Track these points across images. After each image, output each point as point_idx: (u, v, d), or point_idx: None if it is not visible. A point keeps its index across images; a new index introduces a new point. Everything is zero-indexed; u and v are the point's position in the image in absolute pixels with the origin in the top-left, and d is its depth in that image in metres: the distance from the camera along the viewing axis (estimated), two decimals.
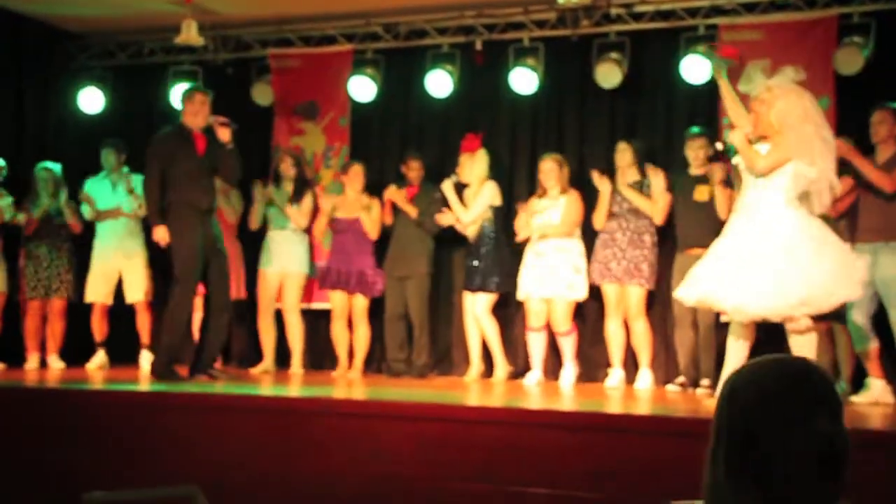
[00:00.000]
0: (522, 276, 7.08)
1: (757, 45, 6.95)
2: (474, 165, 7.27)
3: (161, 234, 6.49)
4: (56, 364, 7.54)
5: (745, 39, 7.00)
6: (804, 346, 5.18)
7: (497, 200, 7.28)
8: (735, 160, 5.57)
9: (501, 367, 7.22)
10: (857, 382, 6.09)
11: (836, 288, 5.07)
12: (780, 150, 5.20)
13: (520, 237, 7.18)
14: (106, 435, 5.36)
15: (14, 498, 5.33)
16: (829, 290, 5.06)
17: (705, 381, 6.52)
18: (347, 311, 7.45)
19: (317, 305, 7.75)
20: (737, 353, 5.30)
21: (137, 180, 7.62)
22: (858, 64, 6.57)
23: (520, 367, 7.33)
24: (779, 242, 5.09)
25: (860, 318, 5.88)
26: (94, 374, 7.21)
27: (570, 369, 7.00)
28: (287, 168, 7.62)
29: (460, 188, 7.35)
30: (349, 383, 6.94)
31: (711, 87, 7.03)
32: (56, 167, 7.65)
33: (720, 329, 6.71)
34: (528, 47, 7.48)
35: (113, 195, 7.66)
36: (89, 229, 7.74)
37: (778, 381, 1.56)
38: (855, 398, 5.92)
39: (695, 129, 6.82)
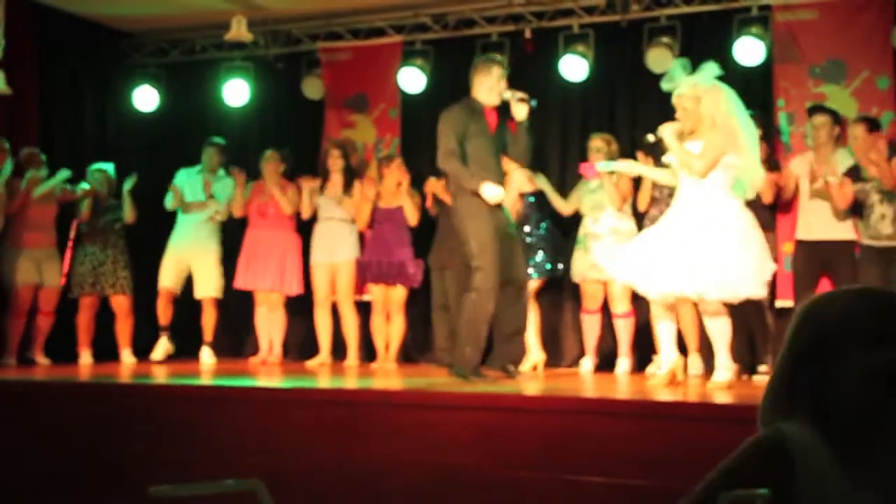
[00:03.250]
0: (576, 259, 7.04)
1: (811, 25, 6.85)
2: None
3: (493, 190, 5.84)
4: (128, 359, 7.66)
5: (799, 19, 6.90)
6: (718, 328, 5.50)
7: (526, 187, 7.18)
8: (666, 156, 5.72)
9: (536, 355, 7.16)
10: None
11: (750, 282, 5.35)
12: (713, 149, 5.40)
13: (566, 211, 7.13)
14: (168, 428, 5.45)
15: (80, 493, 5.45)
16: (745, 282, 5.33)
17: (763, 367, 6.45)
18: (386, 304, 7.46)
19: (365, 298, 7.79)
20: (668, 337, 5.72)
21: (223, 185, 7.74)
22: None
23: (562, 355, 7.30)
24: (715, 230, 5.33)
25: None
26: (158, 367, 7.33)
27: (626, 354, 6.95)
28: (335, 160, 7.65)
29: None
30: (399, 374, 6.96)
31: (765, 69, 6.97)
32: (109, 167, 7.76)
33: (775, 314, 6.66)
34: (577, 34, 7.43)
35: (201, 195, 7.76)
36: (144, 224, 7.84)
37: (862, 306, 1.64)
38: None
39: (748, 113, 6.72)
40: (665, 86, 5.70)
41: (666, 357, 5.85)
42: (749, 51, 6.89)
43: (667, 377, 5.76)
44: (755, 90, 7.12)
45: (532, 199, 7.20)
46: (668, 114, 7.31)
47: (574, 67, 7.37)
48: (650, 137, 5.87)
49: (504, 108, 6.05)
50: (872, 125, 6.16)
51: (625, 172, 6.06)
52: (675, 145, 5.55)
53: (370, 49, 8.12)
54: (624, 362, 6.95)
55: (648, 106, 7.48)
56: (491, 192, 5.83)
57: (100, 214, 7.63)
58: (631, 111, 7.56)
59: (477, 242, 5.83)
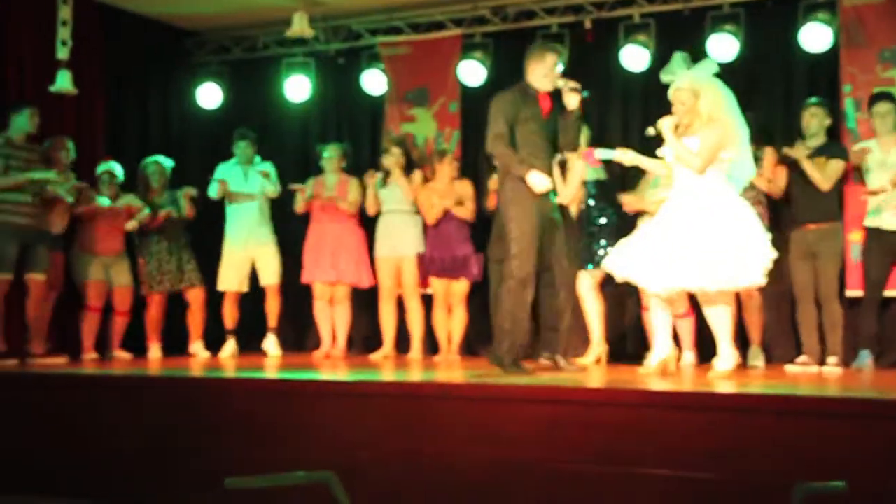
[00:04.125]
0: None
1: (880, 9, 6.72)
2: None
3: (538, 179, 5.75)
4: (201, 353, 7.80)
5: (868, 3, 6.76)
6: (718, 317, 5.55)
7: (585, 175, 7.10)
8: (660, 149, 5.73)
9: (599, 347, 7.11)
10: None
11: (749, 271, 5.35)
12: (710, 145, 5.46)
13: (628, 207, 7.09)
14: (234, 422, 5.53)
15: (152, 484, 5.56)
16: (743, 271, 5.33)
17: (832, 360, 6.34)
18: (447, 298, 7.47)
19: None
20: (663, 329, 5.81)
21: (269, 167, 7.84)
22: None
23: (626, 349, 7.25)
24: (711, 221, 5.38)
25: None
26: (227, 362, 7.44)
27: (689, 348, 6.88)
28: (394, 157, 7.66)
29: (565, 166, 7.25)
30: (462, 367, 6.96)
31: (831, 54, 6.84)
32: (165, 161, 7.87)
33: (846, 305, 6.55)
34: (638, 23, 7.37)
35: (245, 183, 7.84)
36: (206, 214, 7.94)
37: None
38: None
39: (812, 100, 6.62)
40: (664, 78, 5.74)
41: (659, 348, 5.84)
42: (815, 36, 6.78)
43: (658, 367, 5.77)
44: (821, 76, 7.02)
45: (593, 187, 7.14)
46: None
47: (635, 57, 7.31)
48: (650, 131, 5.85)
49: (558, 96, 6.00)
50: None
51: (622, 161, 6.00)
52: (672, 140, 5.60)
53: (430, 43, 8.14)
54: (688, 355, 6.88)
55: None
56: (537, 180, 5.75)
57: (157, 210, 7.72)
58: None
59: (517, 229, 5.79)
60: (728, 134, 5.49)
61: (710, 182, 5.51)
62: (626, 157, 5.96)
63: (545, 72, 5.93)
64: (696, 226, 5.41)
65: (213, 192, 7.84)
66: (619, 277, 5.75)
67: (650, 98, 7.60)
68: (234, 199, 7.81)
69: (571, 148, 6.19)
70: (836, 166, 6.41)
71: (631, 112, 7.66)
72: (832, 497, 3.02)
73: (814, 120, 6.51)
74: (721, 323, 5.59)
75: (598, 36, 7.55)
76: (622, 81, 7.59)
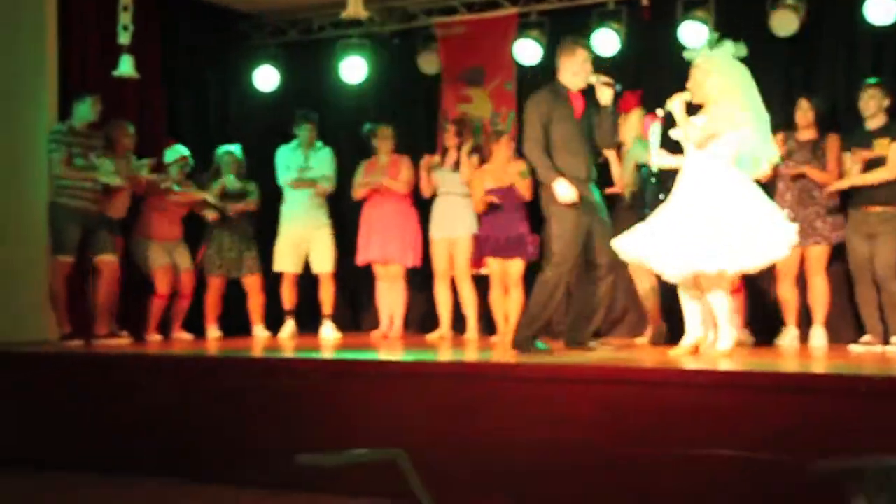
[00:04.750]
0: None
1: None
2: (626, 125, 7.05)
3: (564, 189, 5.82)
4: (261, 333, 7.91)
5: None
6: (717, 303, 5.58)
7: (642, 158, 7.05)
8: (673, 130, 5.77)
9: (657, 326, 7.06)
10: None
11: (763, 249, 5.41)
12: (712, 124, 5.56)
13: None
14: (296, 401, 5.59)
15: (213, 462, 5.65)
16: (757, 250, 5.39)
17: (895, 339, 6.24)
18: (504, 278, 7.45)
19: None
20: (693, 311, 5.77)
21: (326, 155, 7.86)
22: None
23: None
24: (719, 204, 5.45)
25: None
26: (286, 343, 7.52)
27: (737, 327, 6.80)
28: (450, 137, 7.66)
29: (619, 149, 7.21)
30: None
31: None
32: (237, 149, 7.96)
33: None
34: (697, 0, 7.25)
35: (305, 169, 7.88)
36: (271, 200, 8.02)
37: None
38: None
39: (869, 80, 6.47)
40: (687, 55, 5.81)
41: (691, 331, 5.81)
42: (882, 9, 6.61)
43: (689, 349, 5.76)
44: (888, 52, 6.84)
45: (645, 170, 7.07)
46: (793, 80, 7.12)
47: (693, 34, 7.19)
48: (660, 111, 5.88)
49: (591, 92, 6.01)
50: None
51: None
52: (680, 117, 5.67)
53: (485, 22, 8.10)
54: (742, 333, 6.79)
55: (773, 71, 7.26)
56: (563, 190, 5.81)
57: (226, 201, 7.81)
58: (754, 77, 7.32)
59: (558, 227, 5.90)
60: (729, 116, 5.54)
61: (715, 164, 5.56)
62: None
63: (576, 68, 5.95)
64: (704, 210, 5.48)
65: (283, 178, 7.89)
66: (629, 259, 5.82)
67: None
68: (297, 186, 7.85)
69: (608, 143, 6.26)
70: None
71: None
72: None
73: (872, 102, 6.38)
74: (719, 306, 5.63)
75: (656, 13, 7.45)
76: (680, 59, 7.46)
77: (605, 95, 5.95)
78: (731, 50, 5.69)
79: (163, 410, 5.83)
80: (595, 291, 6.08)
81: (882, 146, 6.29)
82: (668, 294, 7.20)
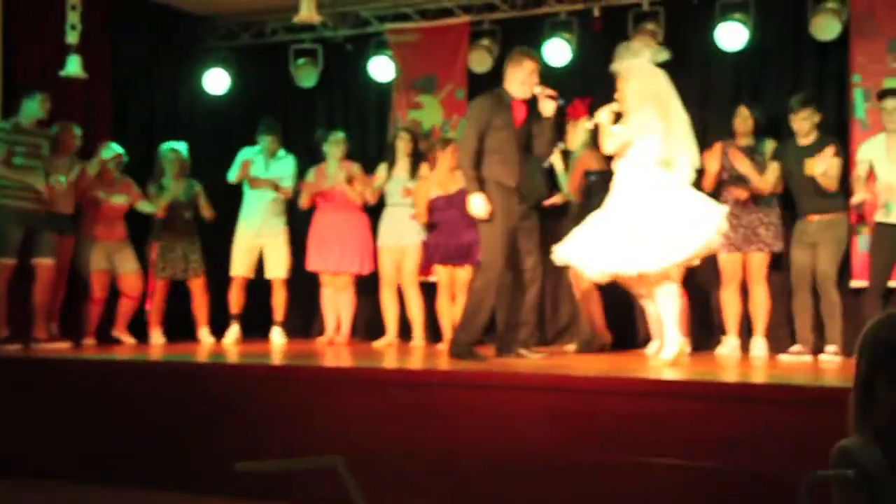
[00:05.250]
0: None
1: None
2: (578, 133, 7.13)
3: (478, 205, 5.96)
4: (206, 338, 7.81)
5: None
6: (665, 303, 5.70)
7: (595, 165, 7.08)
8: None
9: (602, 336, 7.10)
10: None
11: (685, 243, 5.52)
12: (626, 131, 5.73)
13: None
14: (238, 407, 5.54)
15: (154, 468, 5.57)
16: (677, 246, 5.50)
17: (831, 348, 6.35)
18: (451, 285, 7.45)
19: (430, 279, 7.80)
20: (658, 316, 5.86)
21: (288, 163, 7.82)
22: None
23: (630, 337, 7.24)
24: (640, 208, 5.59)
25: None
26: (231, 348, 7.45)
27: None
28: (404, 144, 7.65)
29: (567, 156, 7.27)
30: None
31: (841, 44, 6.80)
32: (182, 147, 7.86)
33: (848, 296, 6.53)
34: (647, 12, 7.33)
35: (265, 173, 7.81)
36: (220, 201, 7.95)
37: (891, 343, 1.89)
38: None
39: (798, 100, 6.53)
40: (612, 67, 5.93)
41: (669, 340, 5.82)
42: (824, 26, 6.74)
43: (674, 358, 5.76)
44: (830, 66, 6.98)
45: (594, 177, 7.13)
46: (739, 92, 7.22)
47: (644, 46, 7.23)
48: (589, 123, 6.08)
49: (534, 102, 6.10)
50: None
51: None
52: (602, 124, 5.85)
53: (438, 30, 8.11)
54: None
55: (721, 85, 7.36)
56: (476, 204, 5.96)
57: (174, 205, 7.71)
58: (703, 91, 7.43)
59: (484, 234, 6.03)
60: (644, 123, 5.67)
61: (640, 171, 5.69)
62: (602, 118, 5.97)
63: (522, 78, 6.05)
64: (628, 214, 5.62)
65: (233, 175, 7.82)
66: (560, 262, 5.90)
67: None
68: (255, 185, 7.79)
69: (546, 152, 6.37)
70: (836, 166, 6.40)
71: None
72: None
73: (805, 123, 6.48)
74: (667, 310, 5.73)
75: (607, 24, 7.51)
76: None
77: (548, 108, 6.06)
78: (649, 56, 5.86)
79: (100, 416, 5.74)
80: (523, 298, 6.19)
81: (814, 166, 6.41)
82: (617, 302, 7.27)
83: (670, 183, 5.72)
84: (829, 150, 6.35)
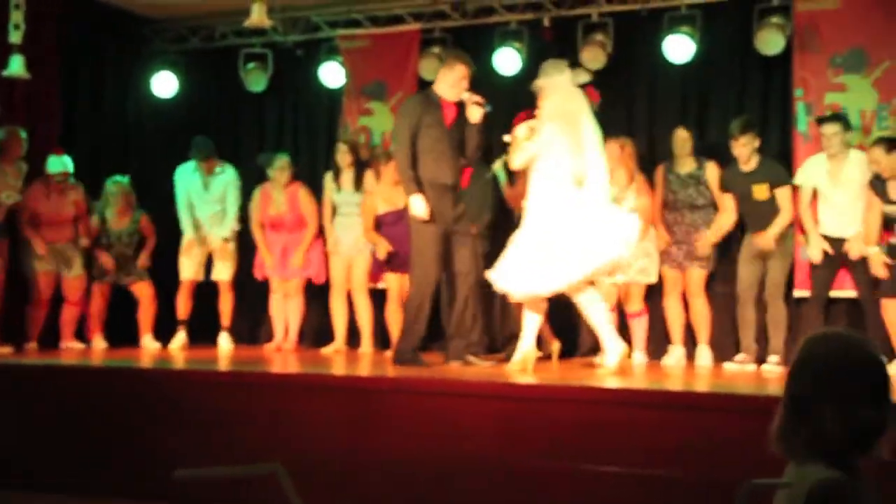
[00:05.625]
0: None
1: (833, 14, 6.79)
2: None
3: (418, 206, 6.00)
4: (150, 344, 7.70)
5: (821, 8, 6.84)
6: (595, 310, 5.84)
7: None
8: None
9: (551, 343, 7.14)
10: None
11: (604, 248, 5.66)
12: (533, 146, 5.89)
13: None
14: (184, 414, 5.48)
15: (99, 475, 5.50)
16: (597, 252, 5.65)
17: (774, 358, 6.46)
18: (402, 293, 7.44)
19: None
20: (531, 326, 5.99)
21: (223, 181, 7.74)
22: None
23: (577, 345, 7.29)
24: (554, 222, 5.72)
25: None
26: (177, 354, 7.37)
27: (641, 349, 6.98)
28: (343, 156, 7.60)
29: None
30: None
31: (785, 58, 6.92)
32: (125, 181, 7.69)
33: (790, 305, 6.65)
34: (597, 23, 7.40)
35: (205, 193, 7.74)
36: (160, 210, 7.86)
37: (841, 366, 1.90)
38: None
39: (737, 125, 6.57)
40: (534, 84, 6.08)
41: (610, 347, 5.94)
42: (769, 40, 6.85)
43: (617, 366, 5.88)
44: (775, 80, 7.10)
45: None
46: (686, 104, 7.32)
47: (593, 57, 7.33)
48: (506, 138, 6.18)
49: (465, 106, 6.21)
50: (891, 145, 6.11)
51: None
52: (515, 141, 6.01)
53: (389, 37, 8.11)
54: (638, 356, 6.96)
55: (668, 99, 7.45)
56: (417, 206, 6.01)
57: (113, 238, 7.61)
58: (649, 104, 7.52)
59: (416, 244, 6.10)
60: (551, 140, 5.83)
61: (551, 185, 5.82)
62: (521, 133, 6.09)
63: (452, 82, 6.16)
64: (546, 228, 5.74)
65: (182, 207, 7.74)
66: (496, 287, 5.99)
67: (606, 99, 7.62)
68: (196, 222, 7.74)
69: (476, 155, 6.40)
70: (786, 194, 6.53)
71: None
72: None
73: (744, 150, 6.56)
74: (596, 320, 5.87)
75: (557, 34, 7.57)
76: None
77: (475, 114, 6.15)
78: (569, 76, 6.01)
79: (40, 422, 5.65)
80: (459, 304, 6.27)
81: (761, 191, 6.51)
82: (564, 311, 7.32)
83: (582, 199, 5.84)
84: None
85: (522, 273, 5.77)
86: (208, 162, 7.75)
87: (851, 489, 1.88)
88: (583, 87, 6.18)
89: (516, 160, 6.04)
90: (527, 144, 5.95)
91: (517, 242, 5.90)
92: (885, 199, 6.13)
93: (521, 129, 6.01)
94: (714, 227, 6.76)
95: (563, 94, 5.94)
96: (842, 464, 1.90)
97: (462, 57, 6.34)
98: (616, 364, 5.82)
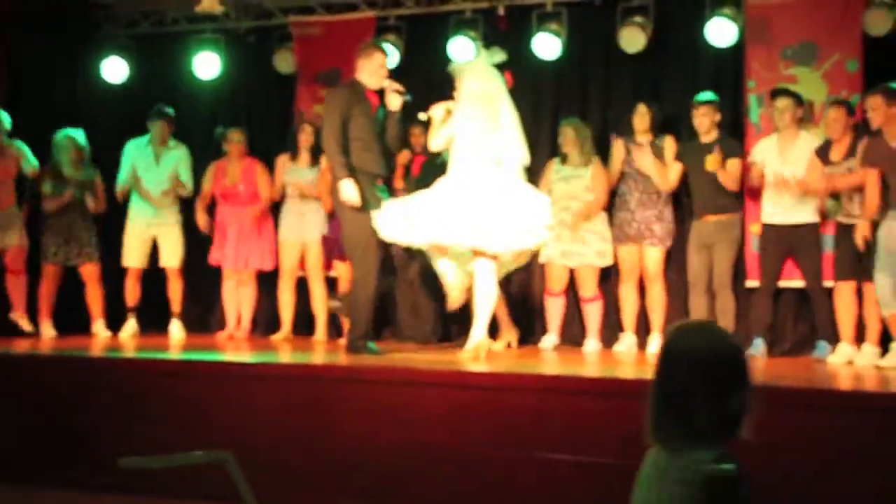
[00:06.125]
0: (544, 243, 7.04)
1: (784, 7, 6.87)
2: None
3: (349, 190, 6.04)
4: (102, 332, 7.61)
5: (772, 2, 6.91)
6: (484, 289, 5.91)
7: None
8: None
9: (509, 332, 7.17)
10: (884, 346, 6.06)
11: (518, 232, 5.81)
12: (450, 127, 6.02)
13: None
14: (136, 402, 5.43)
15: (47, 463, 5.42)
16: (516, 231, 5.79)
17: None
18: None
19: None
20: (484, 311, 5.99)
21: (181, 155, 7.66)
22: (887, 25, 6.47)
23: (526, 331, 7.33)
24: (473, 194, 5.85)
25: (885, 281, 5.85)
26: (127, 342, 7.28)
27: (594, 336, 7.02)
28: (305, 137, 7.58)
29: None
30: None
31: (737, 50, 6.99)
32: (79, 135, 7.62)
33: (741, 293, 6.73)
34: (550, 12, 7.41)
35: (155, 167, 7.66)
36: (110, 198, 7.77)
37: (712, 356, 2.03)
38: (881, 362, 5.90)
39: (700, 97, 6.76)
40: (450, 67, 6.27)
41: (478, 333, 6.03)
42: (721, 32, 6.92)
43: (472, 353, 5.94)
44: (726, 71, 7.17)
45: None
46: (640, 94, 7.37)
47: (547, 46, 7.35)
48: (422, 116, 6.36)
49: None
50: (849, 109, 6.25)
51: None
52: (434, 123, 6.17)
53: (343, 24, 8.05)
54: (592, 343, 7.00)
55: (621, 85, 7.49)
56: (348, 190, 6.04)
57: (64, 187, 7.49)
58: (604, 91, 7.56)
59: (353, 235, 6.14)
60: (467, 121, 5.95)
61: (478, 166, 5.93)
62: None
63: (372, 70, 6.27)
64: (466, 195, 5.85)
65: (123, 180, 7.66)
66: (382, 234, 6.03)
67: (561, 86, 7.67)
68: (143, 195, 7.63)
69: (395, 144, 6.47)
70: (736, 165, 6.61)
71: (541, 100, 7.69)
72: None
73: (705, 119, 6.67)
74: (483, 300, 5.94)
75: (512, 23, 7.57)
76: (533, 69, 7.64)
77: (394, 102, 6.24)
78: (486, 57, 6.10)
79: None
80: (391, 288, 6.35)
81: (713, 161, 6.60)
82: (521, 299, 7.35)
83: (500, 179, 5.95)
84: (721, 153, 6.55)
85: (438, 223, 5.86)
86: (165, 128, 7.67)
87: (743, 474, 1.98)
88: (500, 67, 6.26)
89: (433, 142, 6.22)
90: (444, 126, 6.07)
91: (426, 198, 5.98)
92: (826, 161, 6.25)
93: (437, 111, 6.14)
94: (652, 168, 6.76)
95: (479, 76, 6.05)
96: (716, 448, 2.01)
97: (379, 45, 6.54)
98: (472, 351, 5.90)
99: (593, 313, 7.04)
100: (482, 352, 5.95)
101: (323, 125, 6.29)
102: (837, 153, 6.24)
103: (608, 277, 7.21)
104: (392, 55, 6.59)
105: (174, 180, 7.60)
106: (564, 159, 7.07)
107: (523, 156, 6.12)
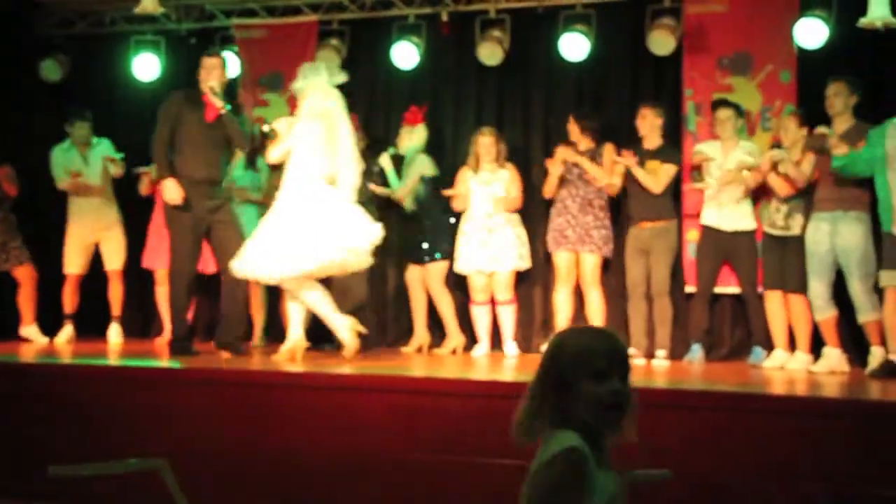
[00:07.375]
0: (466, 250, 7.09)
1: (721, 18, 7.00)
2: (413, 138, 7.28)
3: (171, 190, 6.31)
4: (36, 337, 7.48)
5: (710, 11, 7.03)
6: (313, 302, 6.12)
7: (430, 171, 7.27)
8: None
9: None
10: (815, 352, 6.18)
11: (326, 248, 5.96)
12: (289, 142, 6.26)
13: (458, 208, 7.20)
14: (71, 409, 5.34)
15: None
16: (320, 250, 5.94)
17: (661, 353, 6.63)
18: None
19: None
20: (297, 314, 6.26)
21: (107, 145, 7.59)
22: (820, 37, 6.60)
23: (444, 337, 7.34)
24: (299, 214, 6.04)
25: (819, 287, 5.98)
26: (63, 348, 7.16)
27: (511, 339, 7.07)
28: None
29: (399, 160, 7.36)
30: (306, 357, 6.88)
31: (676, 59, 7.09)
32: None
33: (678, 300, 6.82)
34: (494, 19, 7.45)
35: (85, 167, 7.56)
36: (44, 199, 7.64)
37: (595, 347, 2.13)
38: (813, 367, 6.03)
39: (644, 104, 6.88)
40: (292, 85, 6.51)
41: (292, 334, 6.26)
42: (660, 41, 7.00)
43: (286, 355, 6.14)
44: (666, 79, 7.27)
45: (426, 180, 7.24)
46: (582, 101, 7.44)
47: (490, 53, 7.38)
48: (265, 128, 6.66)
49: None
50: (802, 119, 6.36)
51: None
52: (277, 136, 6.41)
53: (286, 27, 8.01)
54: (510, 346, 7.03)
55: (563, 91, 7.55)
56: (169, 191, 6.31)
57: None
58: (546, 98, 7.61)
59: (173, 237, 6.46)
60: (302, 137, 6.17)
61: (310, 182, 6.11)
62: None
63: (202, 76, 6.48)
64: (290, 219, 6.03)
65: (61, 182, 7.56)
66: (241, 275, 6.20)
67: (504, 92, 7.71)
68: (81, 192, 7.52)
69: (240, 145, 6.68)
70: (668, 170, 6.73)
71: (484, 107, 7.72)
72: (658, 484, 3.14)
73: (644, 122, 6.80)
74: (316, 305, 6.15)
75: (455, 30, 7.60)
76: (477, 75, 7.67)
77: (215, 104, 6.40)
78: (326, 77, 6.33)
79: None
80: (231, 294, 6.49)
81: (653, 167, 6.70)
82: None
83: (330, 196, 6.12)
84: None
85: (258, 257, 6.03)
86: (86, 132, 7.61)
87: (588, 458, 2.07)
88: (341, 88, 6.46)
89: (272, 154, 6.43)
90: (284, 140, 6.28)
91: (259, 230, 6.18)
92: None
93: (280, 124, 6.39)
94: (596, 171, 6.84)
95: (320, 95, 6.25)
96: (590, 437, 2.10)
97: (214, 50, 6.89)
98: (287, 352, 6.11)
99: (507, 317, 7.10)
100: (298, 353, 6.13)
101: (155, 128, 6.48)
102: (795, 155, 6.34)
103: (525, 280, 7.25)
104: (229, 62, 6.94)
105: (105, 160, 7.52)
106: (476, 166, 7.10)
107: (354, 178, 6.28)
